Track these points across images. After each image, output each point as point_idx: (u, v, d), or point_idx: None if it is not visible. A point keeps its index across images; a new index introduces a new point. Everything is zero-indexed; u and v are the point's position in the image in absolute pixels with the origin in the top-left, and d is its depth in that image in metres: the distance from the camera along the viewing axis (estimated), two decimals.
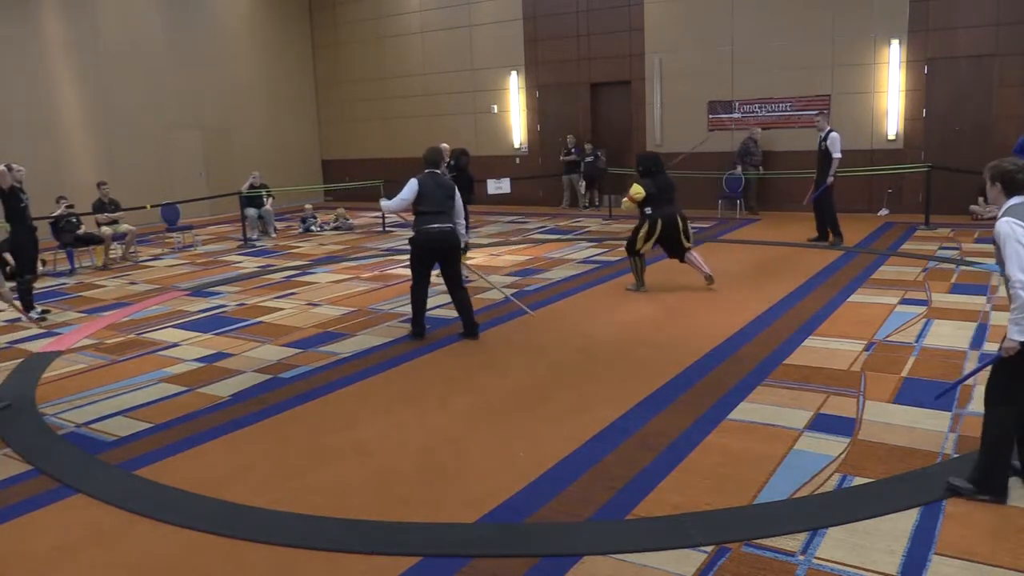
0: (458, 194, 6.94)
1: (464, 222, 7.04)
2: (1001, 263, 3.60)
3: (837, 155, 10.45)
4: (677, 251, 8.39)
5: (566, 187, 16.88)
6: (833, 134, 10.52)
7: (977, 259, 9.30)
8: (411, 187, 6.75)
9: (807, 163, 14.13)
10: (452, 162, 9.46)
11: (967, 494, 3.68)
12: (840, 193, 14.12)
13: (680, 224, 8.19)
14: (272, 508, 3.91)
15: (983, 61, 12.92)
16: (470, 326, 6.90)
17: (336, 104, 20.38)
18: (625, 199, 8.31)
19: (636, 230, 8.27)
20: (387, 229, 14.64)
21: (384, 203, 7.11)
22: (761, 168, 14.39)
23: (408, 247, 7.03)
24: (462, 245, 7.06)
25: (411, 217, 7.00)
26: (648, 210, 8.11)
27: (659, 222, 8.10)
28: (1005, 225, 3.55)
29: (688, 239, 8.29)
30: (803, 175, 14.01)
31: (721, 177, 14.74)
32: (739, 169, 14.23)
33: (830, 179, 10.54)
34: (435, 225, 6.68)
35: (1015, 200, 3.63)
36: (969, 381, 5.15)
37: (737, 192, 14.44)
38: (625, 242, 8.58)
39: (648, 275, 8.46)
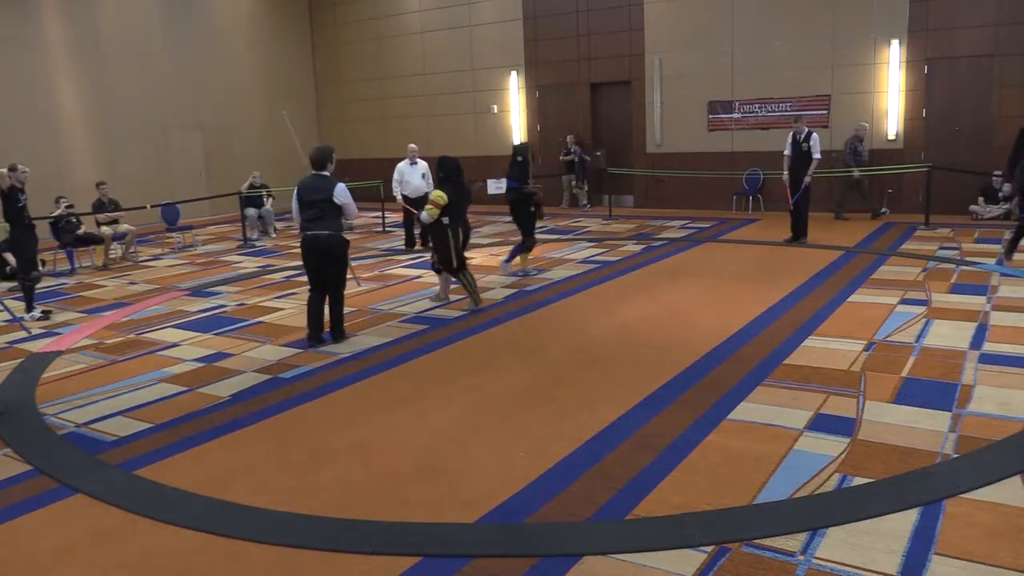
0: (345, 195, 6.66)
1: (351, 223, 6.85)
2: None
3: (818, 156, 10.86)
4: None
5: (566, 187, 16.87)
6: (814, 135, 10.95)
7: (977, 259, 9.30)
8: (294, 195, 6.75)
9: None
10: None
11: None
12: (840, 193, 14.25)
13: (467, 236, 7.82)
14: (272, 508, 3.90)
15: (983, 61, 12.92)
16: (337, 330, 6.91)
17: (336, 104, 20.38)
18: (429, 207, 7.59)
19: (442, 247, 7.65)
20: (387, 229, 14.65)
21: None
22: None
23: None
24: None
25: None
26: (446, 220, 7.54)
27: (459, 232, 7.67)
28: None
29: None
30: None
31: (730, 177, 14.81)
32: (856, 173, 13.07)
33: (808, 179, 10.87)
34: (311, 231, 6.64)
35: None
36: (970, 382, 5.17)
37: (755, 190, 14.75)
38: (437, 262, 7.91)
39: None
